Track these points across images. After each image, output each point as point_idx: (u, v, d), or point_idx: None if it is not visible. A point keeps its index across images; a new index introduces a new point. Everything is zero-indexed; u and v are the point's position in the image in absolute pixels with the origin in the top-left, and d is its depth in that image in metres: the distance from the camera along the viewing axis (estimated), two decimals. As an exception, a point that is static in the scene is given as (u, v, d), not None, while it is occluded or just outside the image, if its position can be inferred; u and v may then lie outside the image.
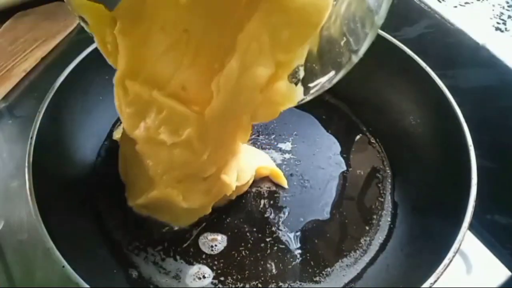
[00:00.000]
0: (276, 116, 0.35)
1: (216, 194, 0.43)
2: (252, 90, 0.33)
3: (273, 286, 0.42)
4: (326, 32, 0.32)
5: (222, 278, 0.42)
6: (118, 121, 0.52)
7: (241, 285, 0.42)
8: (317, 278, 0.42)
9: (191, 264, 0.43)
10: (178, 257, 0.43)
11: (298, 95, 0.35)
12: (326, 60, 0.33)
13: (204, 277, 0.42)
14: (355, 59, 0.31)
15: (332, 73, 0.33)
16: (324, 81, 0.34)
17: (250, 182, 0.47)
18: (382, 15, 0.29)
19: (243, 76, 0.32)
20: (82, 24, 0.36)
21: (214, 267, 0.43)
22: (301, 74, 0.34)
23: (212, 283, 0.42)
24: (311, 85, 0.34)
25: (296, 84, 0.34)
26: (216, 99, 0.34)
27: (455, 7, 0.65)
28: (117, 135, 0.51)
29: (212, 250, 0.44)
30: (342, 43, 0.32)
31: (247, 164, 0.46)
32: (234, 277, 0.42)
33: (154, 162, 0.41)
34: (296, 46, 0.32)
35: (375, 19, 0.29)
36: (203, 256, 0.43)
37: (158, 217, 0.45)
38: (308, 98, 0.35)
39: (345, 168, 0.50)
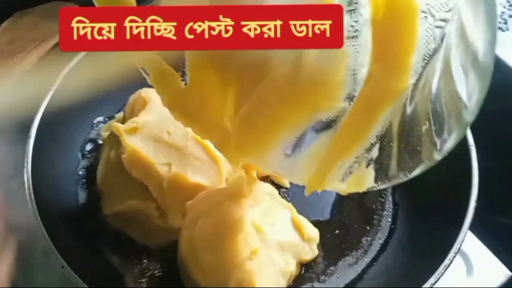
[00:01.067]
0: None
1: None
2: None
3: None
4: (412, 102, 0.23)
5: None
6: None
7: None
8: (323, 277, 0.42)
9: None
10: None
11: (368, 180, 0.27)
12: (405, 143, 0.25)
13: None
14: (437, 156, 0.24)
15: (408, 161, 0.25)
16: (399, 170, 0.25)
17: None
18: (472, 109, 0.21)
19: None
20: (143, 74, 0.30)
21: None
22: (375, 153, 0.25)
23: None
24: (384, 170, 0.26)
25: (367, 165, 0.26)
26: None
27: (455, 7, 0.65)
28: (104, 131, 0.49)
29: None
30: (423, 129, 0.24)
31: None
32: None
33: None
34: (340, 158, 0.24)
35: (463, 112, 0.22)
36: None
37: (129, 231, 0.43)
38: (381, 187, 0.27)
39: (345, 168, 0.50)
